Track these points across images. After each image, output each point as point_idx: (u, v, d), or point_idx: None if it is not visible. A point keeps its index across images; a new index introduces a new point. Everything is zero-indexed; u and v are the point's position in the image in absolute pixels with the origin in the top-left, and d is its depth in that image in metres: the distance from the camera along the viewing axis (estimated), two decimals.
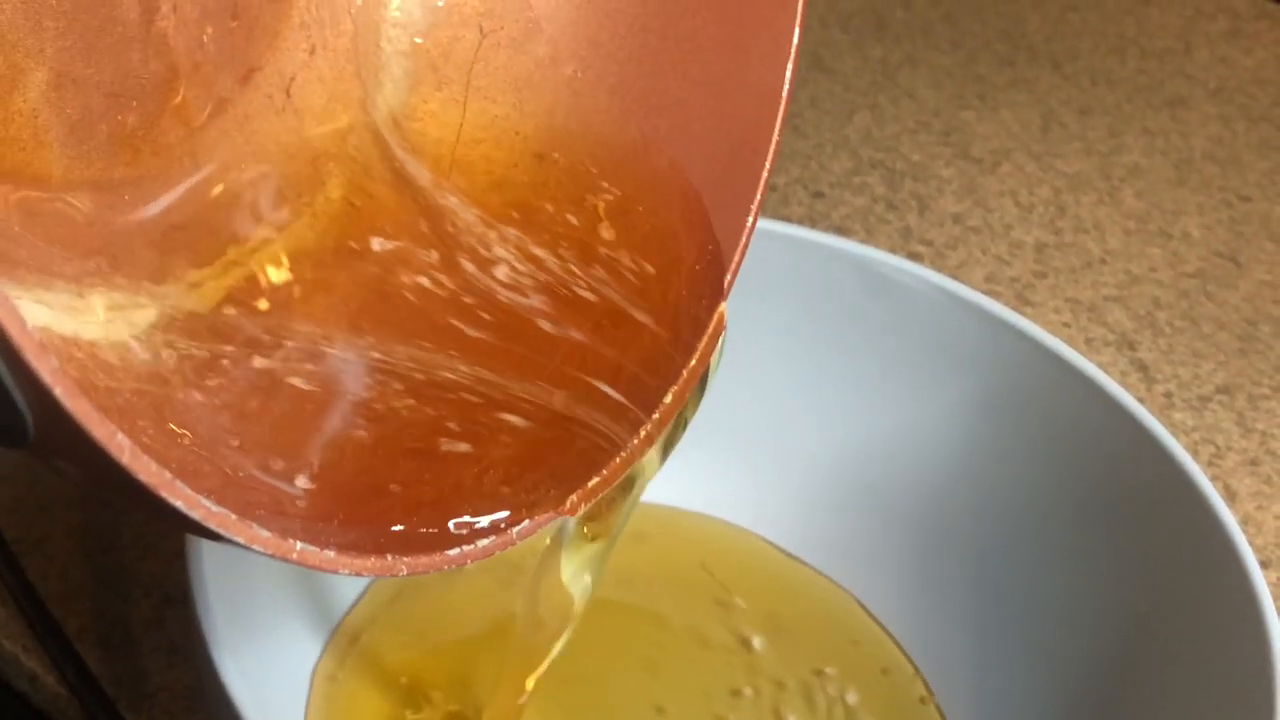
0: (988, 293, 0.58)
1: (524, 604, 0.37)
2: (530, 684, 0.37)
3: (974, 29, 0.79)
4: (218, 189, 0.35)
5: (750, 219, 0.37)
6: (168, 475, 0.23)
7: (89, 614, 0.44)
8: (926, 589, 0.45)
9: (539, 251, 0.37)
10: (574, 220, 0.38)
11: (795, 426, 0.47)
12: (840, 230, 0.62)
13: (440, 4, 0.38)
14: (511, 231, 0.37)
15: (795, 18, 0.37)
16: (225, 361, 0.33)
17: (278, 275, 0.35)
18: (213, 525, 0.25)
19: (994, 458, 0.44)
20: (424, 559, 0.29)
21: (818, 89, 0.72)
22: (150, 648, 0.43)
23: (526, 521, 0.32)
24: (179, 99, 0.34)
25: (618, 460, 0.34)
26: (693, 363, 0.36)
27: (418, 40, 0.38)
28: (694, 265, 0.37)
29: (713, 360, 0.37)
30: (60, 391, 0.21)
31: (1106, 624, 0.41)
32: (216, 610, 0.34)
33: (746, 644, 0.42)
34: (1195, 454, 0.54)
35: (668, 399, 0.35)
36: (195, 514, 0.24)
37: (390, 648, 0.42)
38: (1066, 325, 0.59)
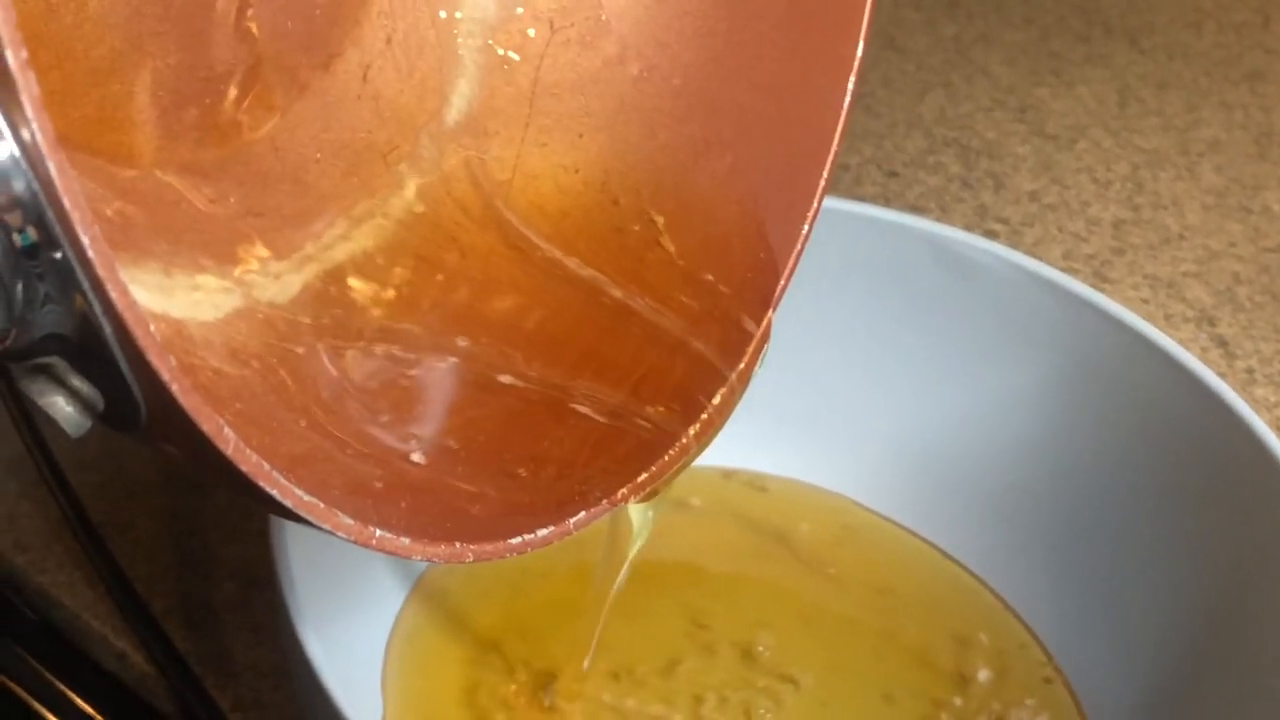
0: (1065, 270, 0.58)
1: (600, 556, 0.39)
2: (593, 643, 0.39)
3: (1047, 5, 0.78)
4: (294, 178, 0.36)
5: (806, 227, 0.38)
6: (266, 466, 0.25)
7: (175, 595, 0.45)
8: (1008, 558, 0.45)
9: (595, 263, 0.38)
10: (633, 226, 0.38)
11: (874, 404, 0.47)
12: (915, 209, 0.62)
13: (517, 3, 0.39)
14: (566, 245, 0.38)
15: (861, 29, 0.37)
16: (301, 350, 0.33)
17: (353, 276, 0.36)
18: (302, 512, 0.26)
19: (1076, 435, 0.44)
20: (488, 546, 0.30)
21: (890, 68, 0.72)
22: (235, 628, 0.44)
23: (582, 513, 0.33)
24: (262, 84, 0.34)
25: (666, 457, 0.35)
26: (740, 367, 0.37)
27: (491, 34, 0.39)
28: (746, 273, 0.38)
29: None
30: (177, 389, 0.22)
31: (1192, 598, 0.41)
32: (301, 589, 0.34)
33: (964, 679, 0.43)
34: (1278, 430, 0.53)
35: (715, 400, 0.36)
36: (287, 502, 0.25)
37: (471, 611, 0.43)
38: (1145, 302, 0.59)
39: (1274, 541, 0.38)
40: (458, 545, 0.29)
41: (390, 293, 0.36)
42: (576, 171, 0.39)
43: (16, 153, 0.21)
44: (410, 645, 0.41)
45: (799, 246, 0.38)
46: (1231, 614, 0.39)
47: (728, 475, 0.47)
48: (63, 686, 0.44)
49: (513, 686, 0.41)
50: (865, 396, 0.47)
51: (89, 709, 0.43)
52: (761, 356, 0.37)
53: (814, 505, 0.47)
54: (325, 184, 0.36)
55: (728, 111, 0.39)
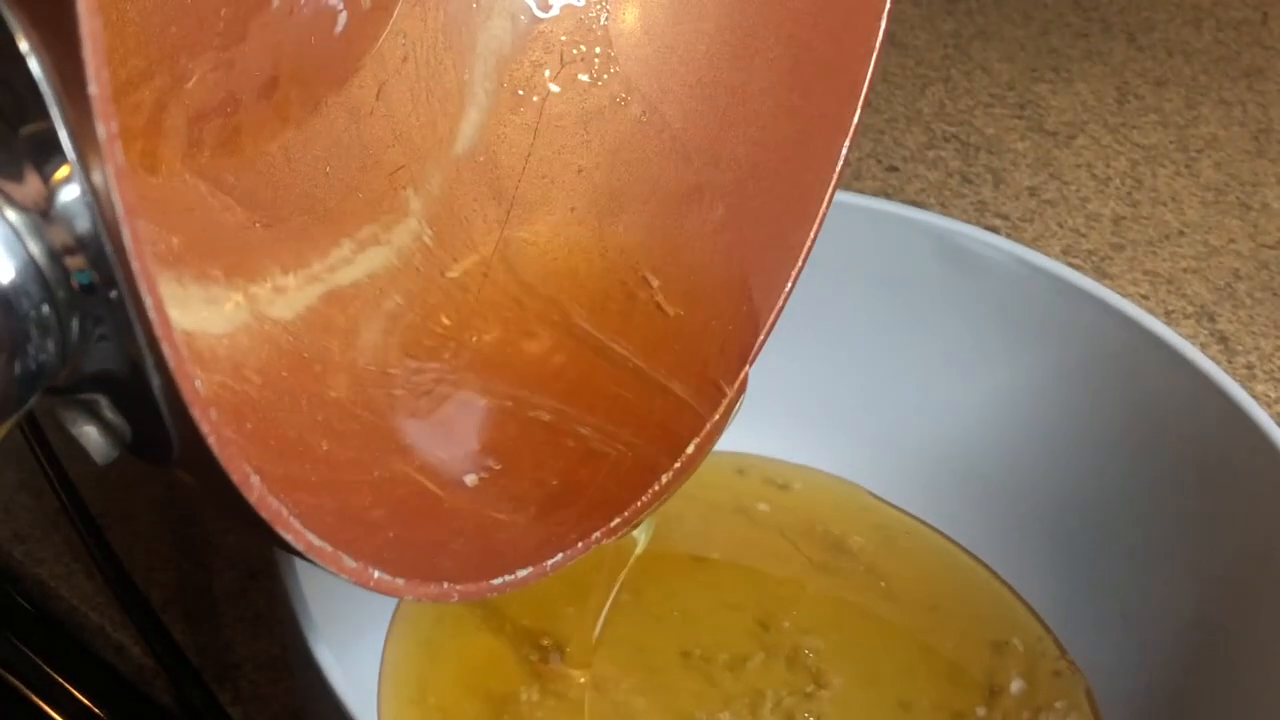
0: (1065, 265, 0.58)
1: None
2: (603, 617, 0.40)
3: (1046, 1, 0.78)
4: (304, 191, 0.36)
5: (789, 285, 0.38)
6: (285, 513, 0.25)
7: (173, 586, 0.45)
8: (1013, 550, 0.45)
9: (582, 306, 0.38)
10: (622, 273, 0.39)
11: (876, 393, 0.47)
12: (915, 204, 0.62)
13: (531, 32, 0.39)
14: (556, 287, 0.38)
15: (860, 95, 0.38)
16: (301, 369, 0.33)
17: (354, 302, 0.36)
18: (311, 556, 0.26)
19: (1079, 427, 0.44)
20: (471, 586, 0.31)
21: (889, 63, 0.72)
22: (234, 619, 0.44)
23: (559, 555, 0.33)
24: (281, 96, 0.34)
25: (639, 502, 0.36)
26: (716, 417, 0.37)
27: (503, 64, 0.39)
28: (728, 325, 0.38)
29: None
30: (214, 441, 0.23)
31: (1195, 588, 0.41)
32: (303, 579, 0.34)
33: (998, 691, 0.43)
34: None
35: (690, 449, 0.37)
36: (299, 546, 0.26)
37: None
38: (1145, 297, 0.59)
39: (1276, 530, 0.38)
40: (445, 585, 0.30)
41: (388, 325, 0.36)
42: (572, 210, 0.39)
43: (87, 197, 0.21)
44: (414, 636, 0.41)
45: (781, 303, 0.38)
46: (1236, 604, 0.39)
47: (741, 471, 0.47)
48: (60, 678, 0.44)
49: (524, 664, 0.41)
50: (867, 386, 0.47)
51: (87, 701, 0.43)
52: (736, 407, 0.38)
53: (840, 502, 0.47)
54: (332, 199, 0.36)
55: (724, 162, 0.39)
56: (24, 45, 0.21)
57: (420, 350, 0.36)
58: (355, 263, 0.36)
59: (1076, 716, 0.41)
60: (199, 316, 0.32)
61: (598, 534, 0.34)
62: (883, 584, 0.45)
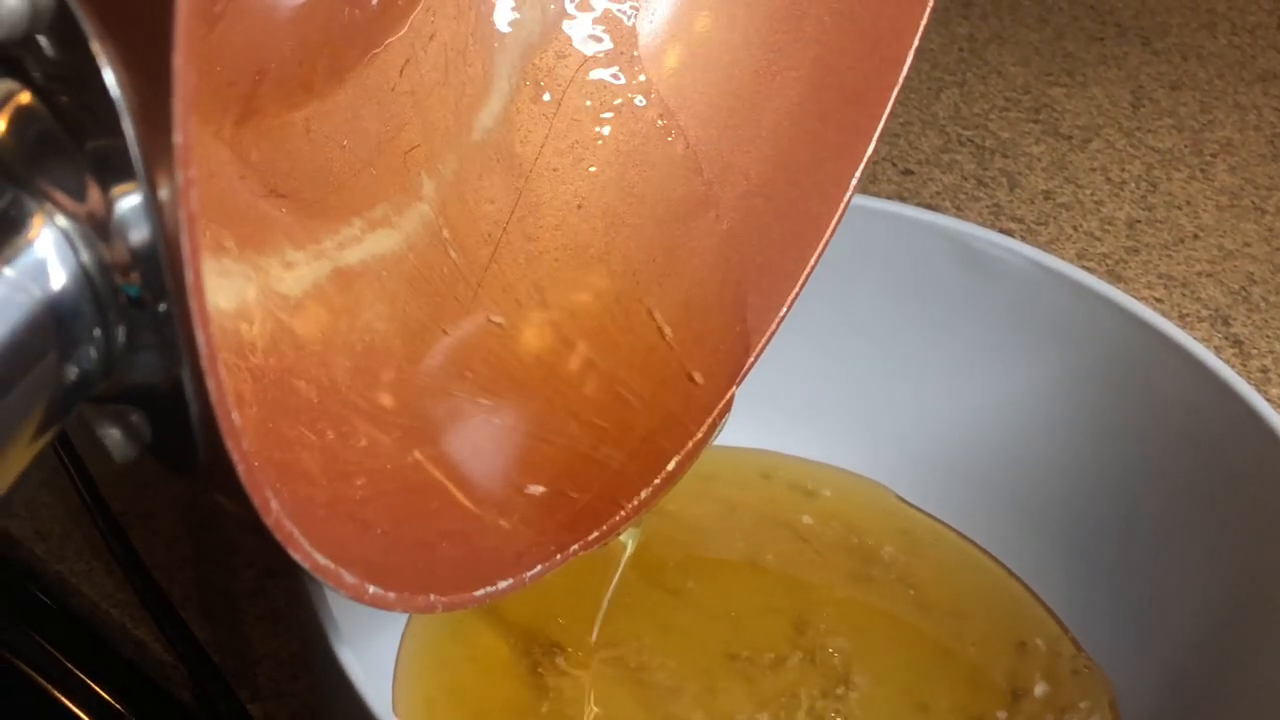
0: (1080, 269, 0.58)
1: None
2: (599, 620, 0.41)
3: (1061, 5, 0.78)
4: (319, 164, 0.36)
5: (785, 309, 0.38)
6: (297, 534, 0.25)
7: (193, 584, 0.45)
8: (1029, 550, 0.45)
9: (577, 314, 0.38)
10: (621, 284, 0.39)
11: (892, 396, 0.47)
12: (930, 207, 0.62)
13: (559, 23, 0.39)
14: (554, 295, 0.38)
15: (876, 128, 0.38)
16: (299, 351, 0.33)
17: (359, 282, 0.36)
18: (317, 575, 0.27)
19: (1093, 430, 0.44)
20: (456, 597, 0.31)
21: None
22: (253, 617, 0.44)
23: (538, 566, 0.34)
24: (308, 68, 0.34)
25: (617, 517, 0.36)
26: (699, 435, 0.38)
27: (528, 54, 0.39)
28: (720, 343, 0.38)
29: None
30: (242, 470, 0.23)
31: (1209, 590, 0.41)
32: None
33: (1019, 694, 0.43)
34: None
35: (671, 465, 0.37)
36: (306, 565, 0.26)
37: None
38: (1159, 301, 0.59)
39: None
40: (431, 597, 0.30)
41: (389, 312, 0.36)
42: (579, 207, 0.39)
43: (152, 225, 0.21)
44: (432, 633, 0.41)
45: (774, 327, 0.38)
46: (1251, 605, 0.40)
47: (767, 475, 0.48)
48: (81, 674, 0.44)
49: (546, 659, 0.42)
50: (881, 388, 0.47)
51: (107, 697, 0.44)
52: (720, 426, 0.38)
53: (868, 508, 0.47)
54: (346, 174, 0.36)
55: (734, 177, 0.39)
56: (110, 79, 0.21)
57: (416, 340, 0.36)
58: (364, 242, 0.36)
59: (1099, 717, 0.41)
60: (209, 291, 0.32)
61: (575, 546, 0.35)
62: (912, 592, 0.45)
